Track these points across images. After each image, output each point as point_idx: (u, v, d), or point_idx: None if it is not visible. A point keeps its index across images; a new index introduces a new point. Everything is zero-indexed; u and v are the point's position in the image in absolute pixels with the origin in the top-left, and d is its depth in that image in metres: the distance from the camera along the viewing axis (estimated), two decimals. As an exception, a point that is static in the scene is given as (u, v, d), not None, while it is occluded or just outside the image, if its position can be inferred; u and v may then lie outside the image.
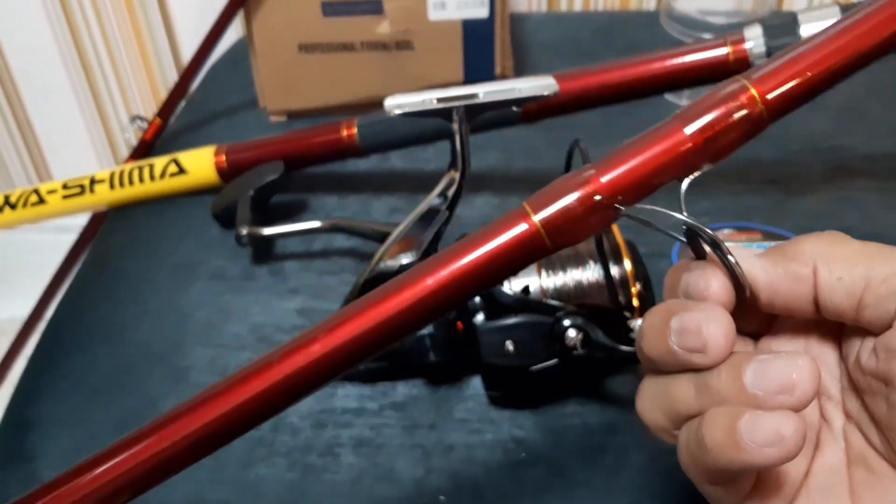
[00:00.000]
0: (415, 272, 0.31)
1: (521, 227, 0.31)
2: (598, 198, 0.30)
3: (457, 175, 0.43)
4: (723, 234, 0.46)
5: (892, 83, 0.77)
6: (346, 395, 0.48)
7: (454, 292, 0.30)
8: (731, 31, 0.54)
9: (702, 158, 0.30)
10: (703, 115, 0.30)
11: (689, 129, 0.30)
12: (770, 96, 0.30)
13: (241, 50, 0.85)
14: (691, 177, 0.31)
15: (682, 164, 0.30)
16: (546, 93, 0.43)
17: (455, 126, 0.42)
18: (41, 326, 0.57)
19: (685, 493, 0.40)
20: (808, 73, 0.31)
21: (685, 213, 0.31)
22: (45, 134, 1.17)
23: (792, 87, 0.31)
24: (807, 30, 0.50)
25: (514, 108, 0.44)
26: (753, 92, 0.30)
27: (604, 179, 0.30)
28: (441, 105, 0.42)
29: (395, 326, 0.30)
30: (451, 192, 0.43)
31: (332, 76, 0.74)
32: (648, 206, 0.31)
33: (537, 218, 0.31)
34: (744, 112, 0.30)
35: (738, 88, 0.30)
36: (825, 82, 0.31)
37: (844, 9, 0.49)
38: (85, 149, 1.18)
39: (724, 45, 0.53)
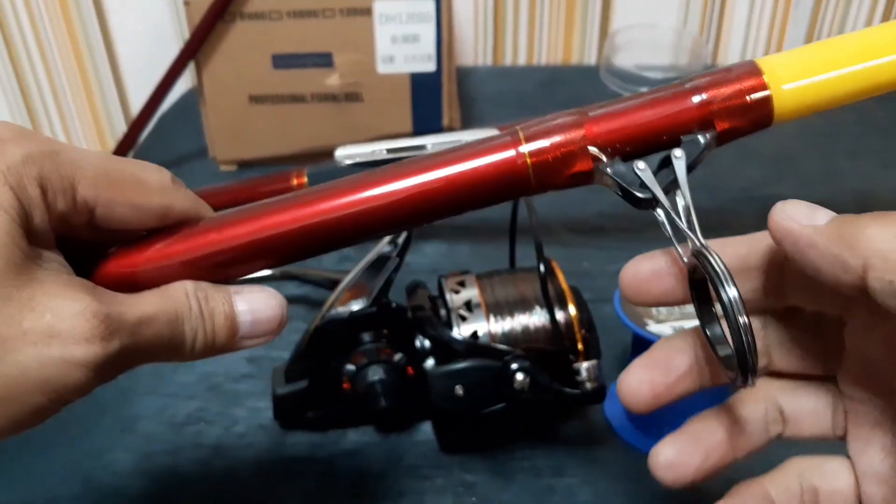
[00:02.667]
0: (389, 170, 0.30)
1: (509, 153, 0.30)
2: (590, 147, 0.29)
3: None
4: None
5: (822, 131, 0.81)
6: (296, 443, 0.48)
7: (423, 204, 0.30)
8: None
9: (698, 126, 0.30)
10: (716, 88, 0.29)
11: (696, 98, 0.30)
12: (787, 86, 0.29)
13: (192, 99, 0.86)
14: (682, 152, 0.30)
15: (681, 126, 0.30)
16: (492, 144, 0.44)
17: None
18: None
19: (631, 532, 0.41)
20: None
21: (700, 237, 0.29)
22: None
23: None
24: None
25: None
26: (766, 79, 0.29)
27: (598, 127, 0.30)
28: (391, 156, 0.43)
29: (350, 224, 0.30)
30: (400, 240, 0.44)
31: (282, 127, 0.75)
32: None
33: (527, 148, 0.30)
34: (760, 94, 0.29)
35: (752, 69, 0.30)
36: None
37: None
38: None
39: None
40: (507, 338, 0.45)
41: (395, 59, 0.72)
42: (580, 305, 0.45)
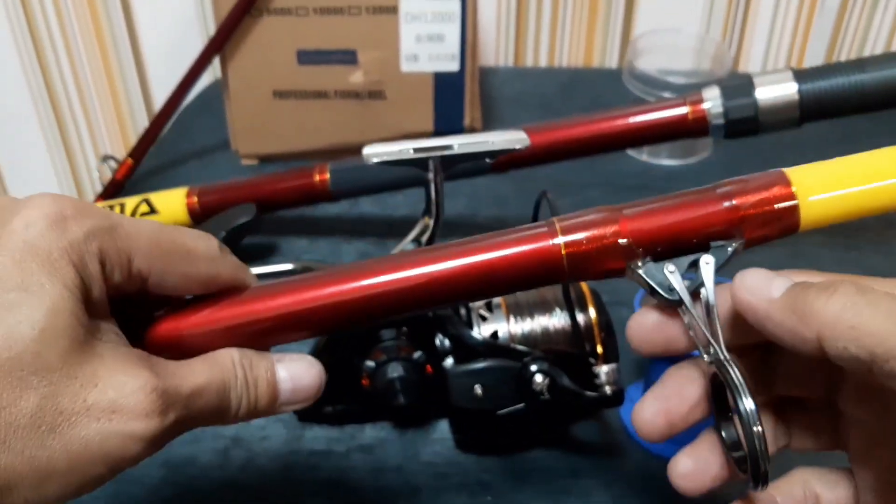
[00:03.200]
0: (432, 252, 0.32)
1: (545, 243, 0.31)
2: (623, 241, 0.31)
3: (431, 222, 0.44)
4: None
5: (840, 140, 0.80)
6: (314, 437, 0.48)
7: (462, 285, 0.31)
8: (689, 90, 0.57)
9: (732, 232, 0.31)
10: (746, 195, 0.31)
11: (727, 203, 0.31)
12: (814, 198, 0.31)
13: (215, 92, 0.86)
14: (712, 258, 0.31)
15: (710, 230, 0.31)
16: (518, 146, 0.45)
17: (430, 175, 0.44)
18: None
19: (646, 536, 0.42)
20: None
21: (722, 346, 0.30)
22: (9, 170, 1.16)
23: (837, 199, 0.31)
24: (762, 92, 0.53)
25: (486, 160, 0.46)
26: (794, 189, 0.31)
27: (631, 225, 0.31)
28: (418, 155, 0.43)
29: (390, 301, 0.32)
30: (424, 238, 0.44)
31: (305, 122, 0.75)
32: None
33: (563, 240, 0.31)
34: (787, 204, 0.30)
35: (781, 179, 0.31)
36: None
37: (796, 73, 0.52)
38: (50, 187, 1.17)
39: (683, 104, 0.56)
40: (527, 339, 0.45)
41: (419, 57, 0.72)
42: (600, 308, 0.45)
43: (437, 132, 0.75)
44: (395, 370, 0.45)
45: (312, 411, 0.49)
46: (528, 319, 0.45)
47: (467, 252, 0.31)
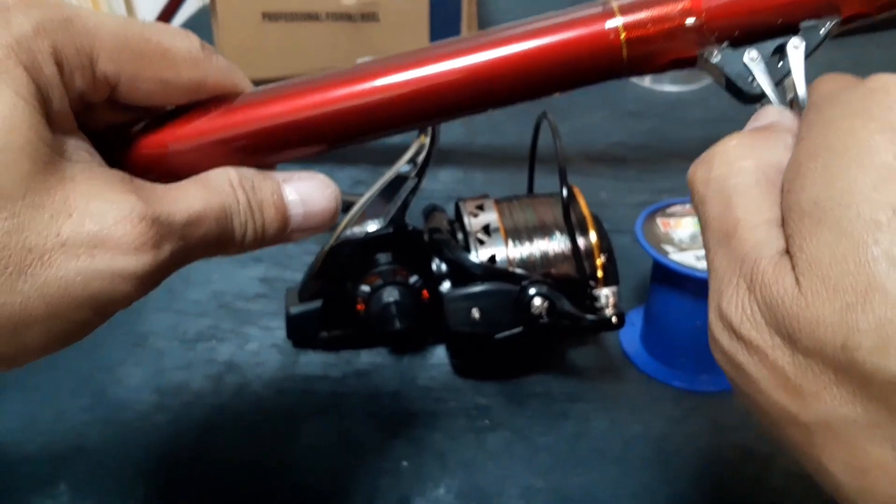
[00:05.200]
0: (463, 42, 0.27)
1: (598, 27, 0.26)
2: (695, 21, 0.26)
3: (427, 140, 0.43)
4: (684, 208, 0.47)
5: (849, 67, 0.78)
6: (308, 362, 0.48)
7: (497, 81, 0.26)
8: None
9: (826, 8, 0.26)
10: None
11: None
12: None
13: (203, 18, 0.83)
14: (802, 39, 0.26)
15: (798, 5, 0.26)
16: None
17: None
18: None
19: (643, 457, 0.41)
20: None
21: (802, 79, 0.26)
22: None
23: None
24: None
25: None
26: None
27: (705, 1, 0.26)
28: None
29: (417, 101, 0.27)
30: (420, 159, 0.43)
31: (296, 46, 0.73)
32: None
33: (622, 21, 0.26)
34: None
35: None
36: None
37: None
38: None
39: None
40: (526, 263, 0.44)
41: (414, -24, 0.69)
42: (601, 233, 0.44)
43: (433, 56, 0.73)
44: (390, 295, 0.44)
45: (308, 337, 0.48)
46: (527, 243, 0.44)
47: (503, 41, 0.26)
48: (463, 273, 0.43)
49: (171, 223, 0.23)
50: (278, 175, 0.27)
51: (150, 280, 0.23)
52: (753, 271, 0.21)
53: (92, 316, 0.23)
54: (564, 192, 0.41)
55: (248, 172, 0.27)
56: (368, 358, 0.48)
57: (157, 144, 0.26)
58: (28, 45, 0.22)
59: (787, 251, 0.21)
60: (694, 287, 0.43)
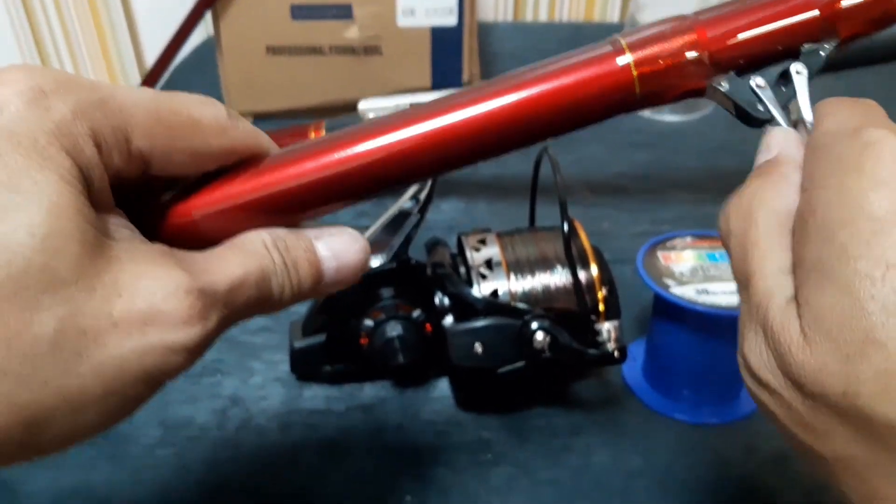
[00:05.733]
0: (477, 91, 0.27)
1: (610, 66, 0.27)
2: (701, 53, 0.27)
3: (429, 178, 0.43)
4: (685, 241, 0.47)
5: (846, 96, 0.79)
6: (313, 395, 0.48)
7: (511, 125, 0.27)
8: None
9: (824, 31, 0.27)
10: None
11: None
12: None
13: (208, 50, 0.84)
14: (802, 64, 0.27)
15: (800, 30, 0.27)
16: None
17: (428, 130, 0.43)
18: None
19: (646, 491, 0.41)
20: None
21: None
22: None
23: None
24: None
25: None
26: None
27: (710, 32, 0.27)
28: (415, 109, 0.42)
29: (441, 150, 0.27)
30: (422, 196, 0.44)
31: (300, 79, 0.74)
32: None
33: (632, 58, 0.27)
34: None
35: None
36: None
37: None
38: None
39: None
40: (528, 297, 0.44)
41: (415, 11, 0.70)
42: (602, 265, 0.45)
43: (435, 88, 0.74)
44: (393, 329, 0.44)
45: (311, 370, 0.49)
46: (529, 277, 0.45)
47: (521, 85, 0.27)
48: (465, 307, 0.44)
49: (216, 292, 0.24)
50: (309, 232, 0.28)
51: (200, 349, 0.24)
52: (766, 318, 0.23)
53: (145, 390, 0.23)
54: (566, 227, 0.42)
55: (281, 233, 0.27)
56: (372, 391, 0.48)
57: (188, 213, 0.27)
58: (68, 129, 0.22)
59: (796, 299, 0.23)
60: (695, 321, 0.43)
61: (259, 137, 0.28)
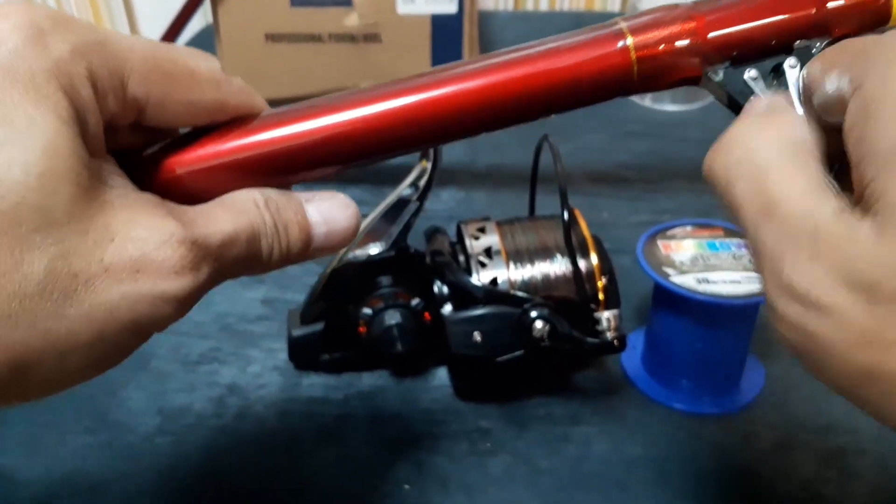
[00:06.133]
0: (481, 62, 0.28)
1: (610, 49, 0.27)
2: (699, 41, 0.27)
3: (428, 165, 0.43)
4: (685, 230, 0.47)
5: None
6: (311, 384, 0.48)
7: (508, 101, 0.27)
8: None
9: (817, 29, 0.27)
10: None
11: None
12: None
13: (207, 38, 0.84)
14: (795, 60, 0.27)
15: (795, 27, 0.27)
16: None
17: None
18: None
19: (645, 480, 0.41)
20: None
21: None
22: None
23: None
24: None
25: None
26: None
27: (709, 21, 0.28)
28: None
29: (437, 120, 0.27)
30: (422, 183, 0.43)
31: (299, 67, 0.73)
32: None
33: (632, 41, 0.27)
34: None
35: None
36: None
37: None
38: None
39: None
40: (527, 285, 0.44)
41: (416, -1, 0.70)
42: (602, 254, 0.44)
43: (435, 77, 0.73)
44: (392, 317, 0.44)
45: (309, 359, 0.48)
46: (529, 266, 0.44)
47: (523, 60, 0.27)
48: (464, 296, 0.43)
49: (208, 245, 0.24)
50: (300, 195, 0.28)
51: (189, 301, 0.23)
52: (815, 234, 0.22)
53: (133, 339, 0.23)
54: (566, 216, 0.42)
55: (272, 194, 0.27)
56: (370, 380, 0.48)
57: (179, 166, 0.26)
58: (66, 68, 0.22)
59: (859, 202, 0.21)
60: (695, 310, 0.43)
61: (252, 96, 0.27)
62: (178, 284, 0.23)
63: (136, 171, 0.26)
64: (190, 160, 0.26)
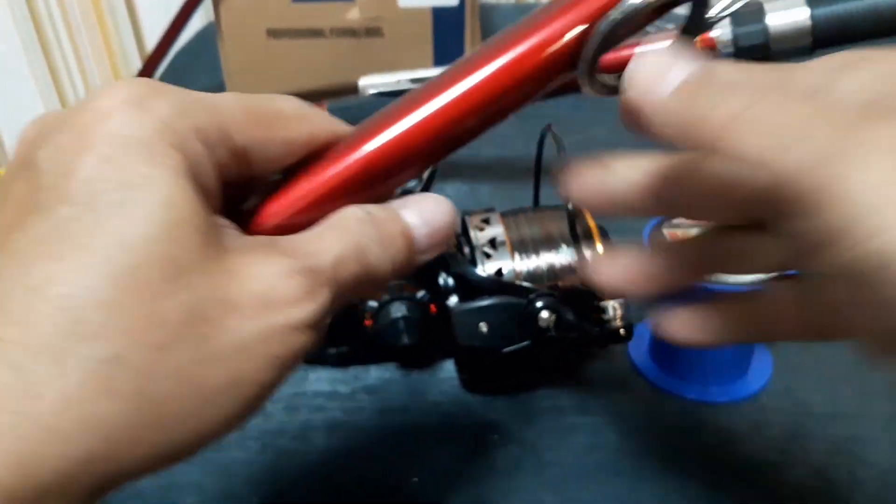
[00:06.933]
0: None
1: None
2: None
3: (432, 157, 0.43)
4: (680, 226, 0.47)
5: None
6: (318, 378, 0.48)
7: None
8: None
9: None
10: None
11: None
12: None
13: (208, 35, 0.84)
14: None
15: None
16: (521, 76, 0.43)
17: (430, 107, 0.42)
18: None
19: (655, 470, 0.41)
20: None
21: None
22: (2, 116, 1.15)
23: None
24: (773, 18, 0.51)
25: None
26: None
27: None
28: (414, 86, 0.42)
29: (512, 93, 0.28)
30: (425, 175, 0.43)
31: (301, 62, 0.73)
32: None
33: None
34: None
35: None
36: None
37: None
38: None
39: (692, 33, 0.54)
40: (533, 276, 0.44)
41: (417, -9, 0.70)
42: (607, 244, 0.44)
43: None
44: (398, 310, 0.44)
45: (315, 353, 0.48)
46: (534, 256, 0.44)
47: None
48: (470, 287, 0.43)
49: (321, 270, 0.24)
50: (394, 203, 0.28)
51: (319, 326, 0.24)
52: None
53: (275, 376, 0.23)
54: (570, 207, 0.41)
55: (370, 207, 0.27)
56: (377, 374, 0.48)
57: (282, 210, 0.27)
58: (174, 126, 0.22)
59: None
60: (701, 297, 0.43)
61: (335, 122, 0.28)
62: (304, 311, 0.23)
63: (243, 225, 0.27)
64: (289, 202, 0.27)
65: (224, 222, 0.24)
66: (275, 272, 0.23)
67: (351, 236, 0.26)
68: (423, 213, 0.28)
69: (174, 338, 0.21)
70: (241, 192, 0.27)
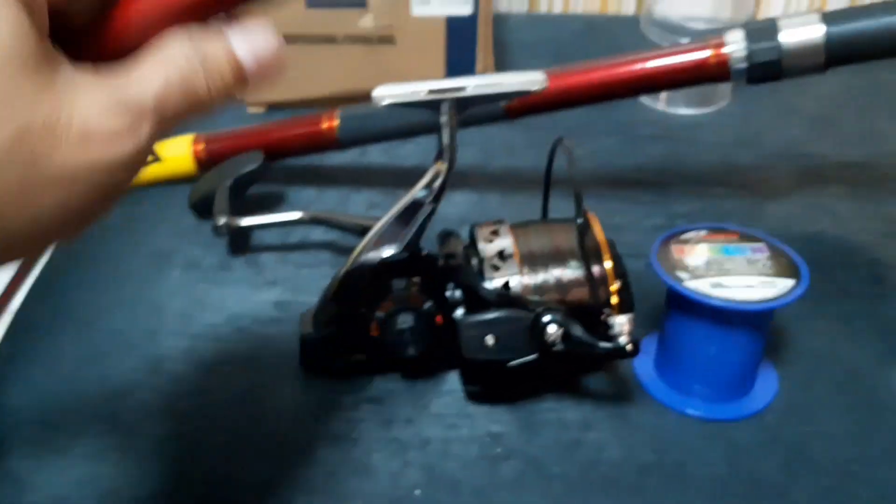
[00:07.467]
0: None
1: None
2: None
3: (444, 167, 0.43)
4: (699, 234, 0.46)
5: (864, 92, 0.78)
6: (322, 387, 0.48)
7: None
8: (709, 36, 0.55)
9: None
10: None
11: None
12: None
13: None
14: None
15: None
16: (535, 88, 0.43)
17: (444, 118, 0.42)
18: (10, 312, 0.56)
19: (658, 486, 0.41)
20: None
21: None
22: None
23: None
24: (787, 35, 0.51)
25: (500, 104, 0.44)
26: None
27: None
28: (431, 97, 0.42)
29: None
30: (436, 185, 0.43)
31: (313, 68, 0.73)
32: None
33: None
34: None
35: None
36: None
37: (824, 15, 0.50)
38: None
39: (705, 48, 0.54)
40: (540, 289, 0.44)
41: (430, 1, 0.70)
42: (616, 259, 0.44)
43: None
44: (405, 321, 0.44)
45: (321, 363, 0.48)
46: (542, 270, 0.44)
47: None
48: (477, 299, 0.43)
49: (144, 103, 0.25)
50: (222, 30, 0.28)
51: (137, 162, 0.25)
52: None
53: (99, 204, 0.25)
54: (580, 221, 0.41)
55: (196, 34, 0.27)
56: (382, 384, 0.48)
57: (110, 34, 0.27)
58: None
59: None
60: (709, 315, 0.43)
61: None
62: (124, 147, 0.24)
63: (69, 46, 0.27)
64: (117, 24, 0.27)
65: (53, 49, 0.25)
66: (98, 107, 0.24)
67: (175, 69, 0.26)
68: (252, 44, 0.28)
69: (5, 157, 0.22)
70: (70, 13, 0.27)
